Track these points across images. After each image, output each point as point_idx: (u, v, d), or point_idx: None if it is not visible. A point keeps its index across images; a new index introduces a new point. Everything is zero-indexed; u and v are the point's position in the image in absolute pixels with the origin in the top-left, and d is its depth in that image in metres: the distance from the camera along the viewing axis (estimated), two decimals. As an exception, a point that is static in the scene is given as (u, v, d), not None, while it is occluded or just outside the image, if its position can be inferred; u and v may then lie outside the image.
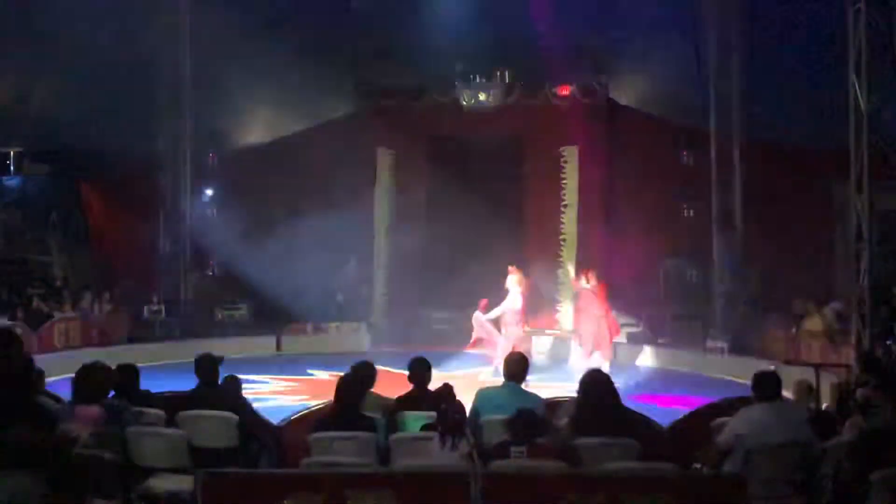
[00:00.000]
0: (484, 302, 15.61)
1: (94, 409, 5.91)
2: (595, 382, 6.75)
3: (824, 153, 16.90)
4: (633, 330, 18.83)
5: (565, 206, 20.58)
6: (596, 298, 15.87)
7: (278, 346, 19.55)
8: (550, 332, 19.69)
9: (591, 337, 15.73)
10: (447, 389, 7.45)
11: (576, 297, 17.10)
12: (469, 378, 15.23)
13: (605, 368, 12.53)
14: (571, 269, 19.61)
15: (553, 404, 7.48)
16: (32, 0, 17.70)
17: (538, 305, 19.31)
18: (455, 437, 6.06)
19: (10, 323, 15.73)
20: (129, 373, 7.51)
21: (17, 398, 5.36)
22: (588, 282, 16.01)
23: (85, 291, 19.05)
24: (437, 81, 20.92)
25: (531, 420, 6.10)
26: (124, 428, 6.60)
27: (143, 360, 15.50)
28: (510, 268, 15.63)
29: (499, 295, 15.71)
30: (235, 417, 7.24)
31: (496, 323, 15.57)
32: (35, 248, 20.76)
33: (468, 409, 7.44)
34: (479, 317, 15.56)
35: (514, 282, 15.30)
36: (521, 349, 14.47)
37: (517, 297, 15.26)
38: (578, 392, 6.81)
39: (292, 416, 8.28)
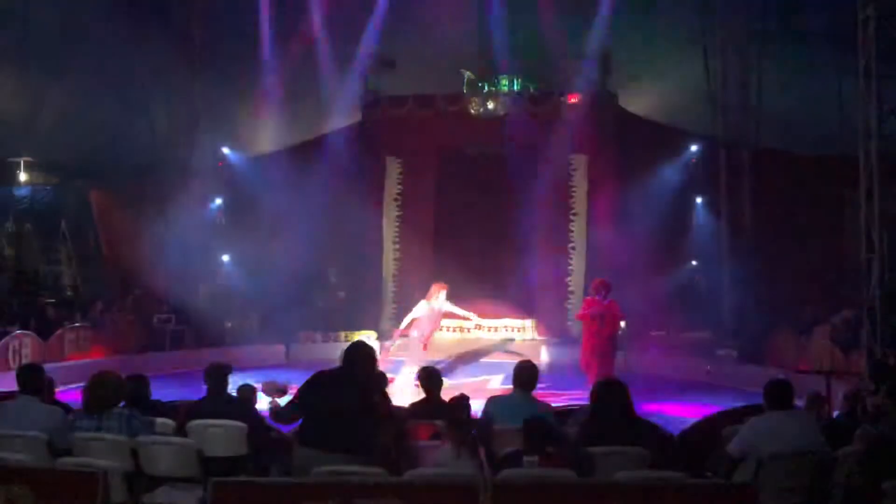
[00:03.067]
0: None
1: None
2: (611, 391, 6.69)
3: (834, 161, 16.87)
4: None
5: (574, 214, 20.56)
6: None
7: (287, 355, 19.54)
8: (560, 341, 19.69)
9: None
10: (464, 400, 7.37)
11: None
12: (477, 386, 15.24)
13: None
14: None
15: (563, 413, 7.46)
16: (41, 12, 17.79)
17: None
18: (468, 448, 6.03)
19: (19, 331, 15.80)
20: (140, 383, 7.52)
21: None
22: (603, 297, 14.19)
23: (95, 300, 19.10)
24: (446, 90, 20.93)
25: (545, 429, 6.05)
26: (135, 437, 6.61)
27: (154, 368, 15.56)
28: (439, 285, 14.94)
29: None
30: (245, 426, 7.24)
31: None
32: (45, 258, 20.82)
33: (479, 416, 7.44)
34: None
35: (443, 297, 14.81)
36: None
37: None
38: (593, 400, 6.78)
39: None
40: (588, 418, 6.70)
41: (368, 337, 20.01)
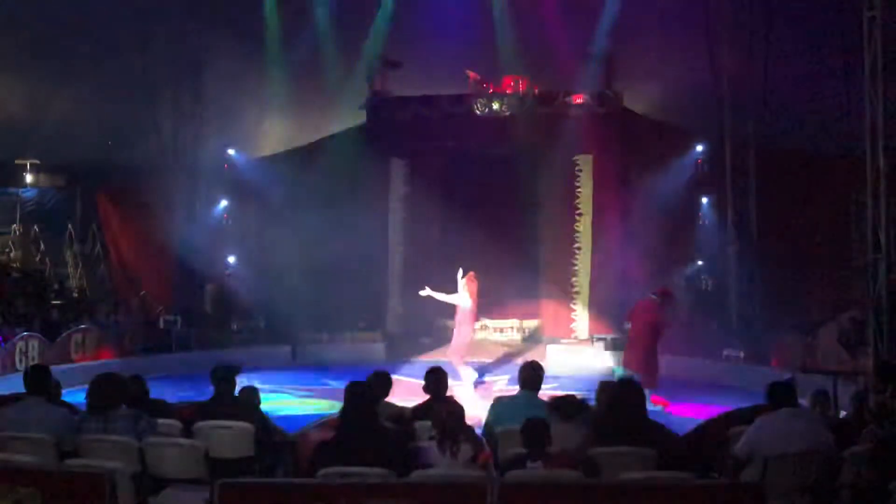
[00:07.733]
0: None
1: None
2: (629, 393, 6.62)
3: (840, 160, 16.83)
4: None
5: (580, 214, 20.54)
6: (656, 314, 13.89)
7: (294, 356, 19.54)
8: (566, 342, 19.64)
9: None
10: (451, 399, 7.31)
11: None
12: (484, 387, 15.25)
13: None
14: None
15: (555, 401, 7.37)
16: (47, 15, 17.83)
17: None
18: (453, 444, 5.97)
19: (25, 333, 15.82)
20: (137, 384, 7.55)
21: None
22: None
23: (101, 302, 19.14)
24: (451, 90, 20.92)
25: (542, 431, 5.95)
26: (141, 438, 6.62)
27: (160, 370, 15.66)
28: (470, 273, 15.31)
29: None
30: (251, 427, 7.24)
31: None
32: (52, 260, 20.88)
33: (484, 417, 7.43)
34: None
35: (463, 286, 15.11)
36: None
37: (467, 298, 15.10)
38: (609, 401, 6.73)
39: (308, 425, 8.28)
40: (601, 418, 6.66)
41: (373, 338, 20.12)
